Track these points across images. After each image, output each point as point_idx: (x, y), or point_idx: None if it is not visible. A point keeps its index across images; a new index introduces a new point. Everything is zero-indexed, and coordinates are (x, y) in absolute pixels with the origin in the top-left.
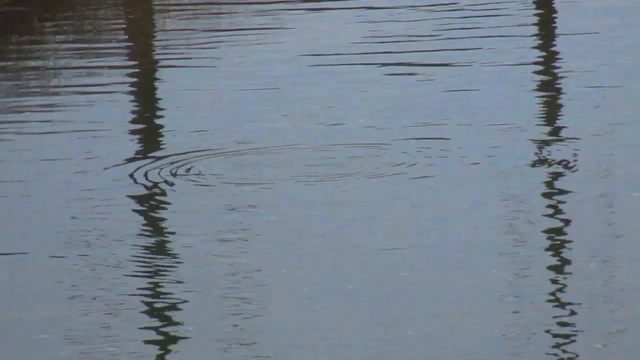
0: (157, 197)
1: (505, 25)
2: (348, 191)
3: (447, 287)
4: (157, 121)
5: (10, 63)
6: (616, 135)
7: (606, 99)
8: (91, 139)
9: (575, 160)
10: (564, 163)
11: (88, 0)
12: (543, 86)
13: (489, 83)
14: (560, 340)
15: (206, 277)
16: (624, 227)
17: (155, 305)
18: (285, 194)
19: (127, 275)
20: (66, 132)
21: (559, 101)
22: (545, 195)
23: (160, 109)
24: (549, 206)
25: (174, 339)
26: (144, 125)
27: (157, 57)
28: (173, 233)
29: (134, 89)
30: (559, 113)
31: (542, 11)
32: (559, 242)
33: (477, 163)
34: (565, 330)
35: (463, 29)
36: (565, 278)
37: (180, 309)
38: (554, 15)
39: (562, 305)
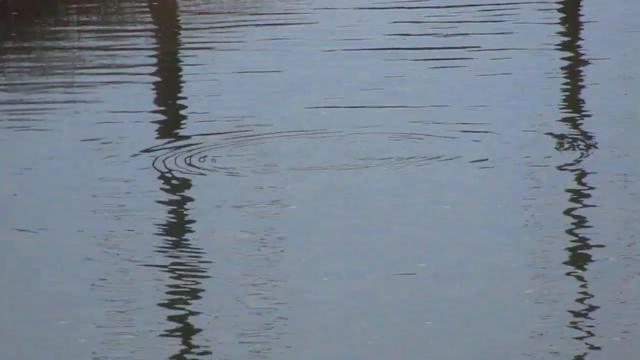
0: (179, 182)
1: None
2: (369, 182)
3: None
4: (180, 102)
5: (34, 44)
6: None
7: (632, 88)
8: (114, 122)
9: (597, 146)
10: (590, 148)
11: None
12: (570, 73)
13: (519, 68)
14: (579, 333)
15: (227, 260)
16: None
17: (177, 285)
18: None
19: (151, 251)
20: (90, 113)
21: (585, 88)
22: (570, 180)
23: (183, 93)
24: (571, 190)
25: (196, 318)
26: (166, 108)
27: (182, 39)
28: (194, 221)
29: (157, 69)
30: (585, 99)
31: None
32: (581, 228)
33: (502, 148)
34: (585, 323)
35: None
36: (585, 271)
37: (202, 290)
38: (579, 3)
39: (581, 300)
